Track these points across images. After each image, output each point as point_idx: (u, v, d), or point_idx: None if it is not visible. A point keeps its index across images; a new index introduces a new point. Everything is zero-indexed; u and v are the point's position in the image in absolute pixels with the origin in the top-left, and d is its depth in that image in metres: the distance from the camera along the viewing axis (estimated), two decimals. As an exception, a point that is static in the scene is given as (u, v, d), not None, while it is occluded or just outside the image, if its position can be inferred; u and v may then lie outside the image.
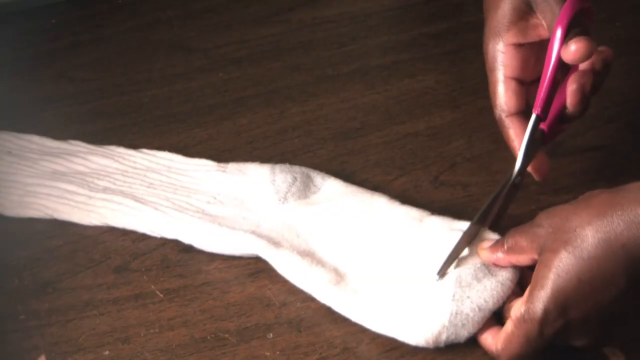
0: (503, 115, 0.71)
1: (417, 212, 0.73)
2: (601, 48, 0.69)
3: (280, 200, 0.75)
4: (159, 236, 0.75)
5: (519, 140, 0.70)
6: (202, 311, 0.71)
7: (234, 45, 0.96)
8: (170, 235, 0.75)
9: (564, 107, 0.69)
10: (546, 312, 0.61)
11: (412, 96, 0.88)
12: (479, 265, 0.66)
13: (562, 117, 0.70)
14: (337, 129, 0.86)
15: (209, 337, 0.69)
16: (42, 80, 0.93)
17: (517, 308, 0.62)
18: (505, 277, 0.66)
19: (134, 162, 0.81)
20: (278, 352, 0.68)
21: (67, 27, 0.99)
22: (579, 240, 0.60)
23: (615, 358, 0.65)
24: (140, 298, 0.72)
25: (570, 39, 0.66)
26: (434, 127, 0.84)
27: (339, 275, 0.70)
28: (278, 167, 0.78)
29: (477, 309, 0.65)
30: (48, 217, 0.77)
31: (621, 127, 0.82)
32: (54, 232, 0.77)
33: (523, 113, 0.71)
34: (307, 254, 0.71)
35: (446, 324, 0.65)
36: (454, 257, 0.66)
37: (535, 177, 0.71)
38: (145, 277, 0.74)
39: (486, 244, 0.67)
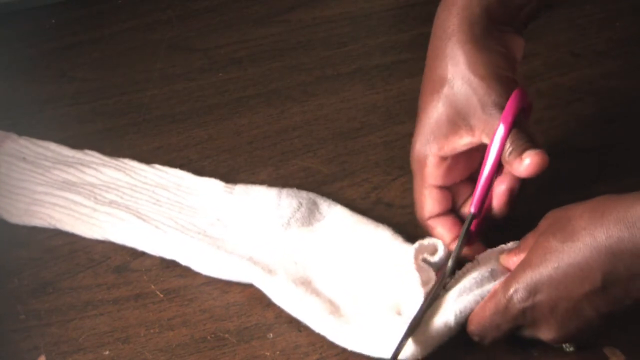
0: (425, 221, 0.71)
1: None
2: None
3: (283, 225, 0.75)
4: (157, 255, 0.75)
5: (450, 236, 0.70)
6: (202, 311, 0.71)
7: (234, 45, 0.95)
8: (168, 255, 0.74)
9: (490, 207, 0.68)
10: (517, 288, 0.62)
11: (412, 96, 0.87)
12: (484, 273, 0.66)
13: (487, 217, 0.69)
14: (337, 129, 0.85)
15: (209, 337, 0.69)
16: (42, 80, 0.93)
17: (498, 283, 0.64)
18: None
19: (145, 177, 0.80)
20: (278, 352, 0.68)
21: (67, 27, 0.99)
22: (569, 228, 0.61)
23: (615, 358, 0.66)
24: (140, 298, 0.72)
25: (520, 148, 0.64)
26: (434, 127, 0.84)
27: (333, 306, 0.69)
28: (285, 192, 0.77)
29: (480, 299, 0.65)
30: (52, 226, 0.77)
31: (621, 127, 0.82)
32: (54, 232, 0.77)
33: (446, 211, 0.71)
34: (303, 283, 0.70)
35: (452, 325, 0.65)
36: (403, 344, 0.64)
37: None
38: (145, 277, 0.74)
39: (507, 251, 0.67)
